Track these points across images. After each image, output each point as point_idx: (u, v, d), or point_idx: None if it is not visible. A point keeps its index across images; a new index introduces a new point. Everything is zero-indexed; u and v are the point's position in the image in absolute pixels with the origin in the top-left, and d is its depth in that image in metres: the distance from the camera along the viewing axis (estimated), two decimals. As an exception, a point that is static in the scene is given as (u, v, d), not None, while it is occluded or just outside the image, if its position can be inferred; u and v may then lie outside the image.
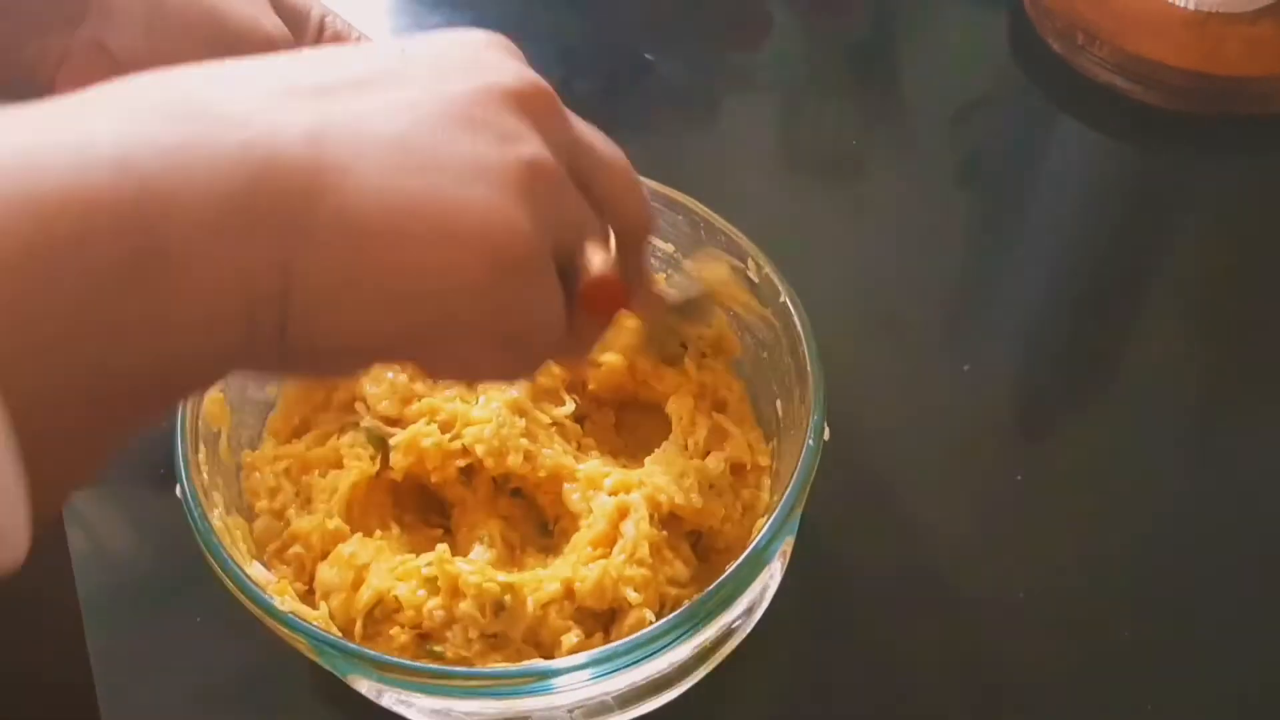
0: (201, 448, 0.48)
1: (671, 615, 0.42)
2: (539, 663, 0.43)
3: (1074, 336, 0.69)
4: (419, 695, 0.42)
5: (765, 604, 0.45)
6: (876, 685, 0.52)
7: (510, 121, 0.31)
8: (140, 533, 0.58)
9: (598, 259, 0.36)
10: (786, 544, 0.45)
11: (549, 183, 0.32)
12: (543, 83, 0.34)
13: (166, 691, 0.52)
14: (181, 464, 0.46)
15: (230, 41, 0.49)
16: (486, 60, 0.33)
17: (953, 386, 0.65)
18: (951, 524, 0.59)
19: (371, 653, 0.41)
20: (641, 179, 0.56)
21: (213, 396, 0.48)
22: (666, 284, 0.54)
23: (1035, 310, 0.71)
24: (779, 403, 0.53)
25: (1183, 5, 0.81)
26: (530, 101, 0.33)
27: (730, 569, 0.43)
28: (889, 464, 0.61)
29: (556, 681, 0.41)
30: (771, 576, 0.45)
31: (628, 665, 0.41)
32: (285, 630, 0.42)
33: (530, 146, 0.31)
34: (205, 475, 0.48)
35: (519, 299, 0.31)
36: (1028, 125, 0.84)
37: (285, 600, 0.44)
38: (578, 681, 0.41)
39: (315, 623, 0.44)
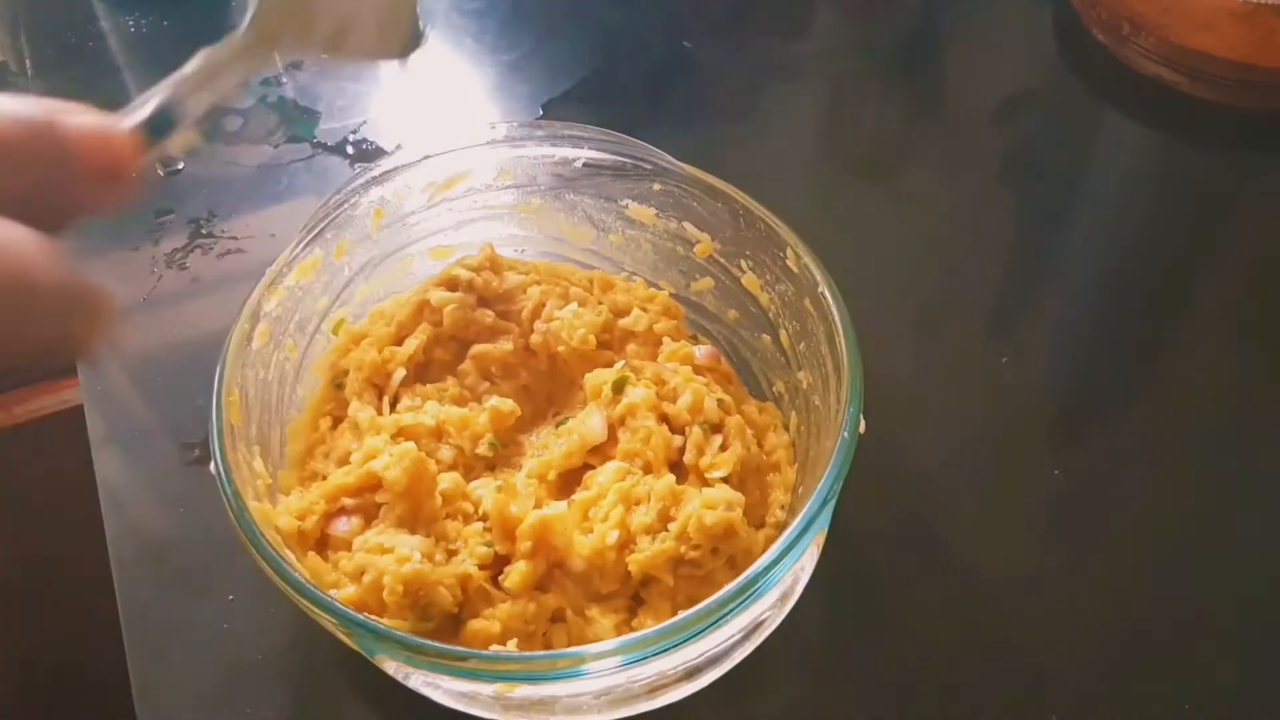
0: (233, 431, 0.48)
1: (702, 605, 0.41)
2: (568, 649, 0.43)
3: (1116, 332, 0.68)
4: (446, 677, 0.42)
5: (797, 595, 0.45)
6: (908, 679, 0.52)
7: None
8: (174, 512, 0.58)
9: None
10: (819, 535, 0.45)
11: None
12: None
13: (198, 670, 0.52)
14: (216, 442, 0.46)
15: None
16: None
17: (991, 379, 0.65)
18: (986, 518, 0.58)
19: (399, 634, 0.41)
20: (680, 165, 0.57)
21: (232, 398, 0.48)
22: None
23: (1076, 304, 0.70)
24: (816, 397, 0.52)
25: (1232, -4, 0.79)
26: None
27: (762, 559, 0.43)
28: (924, 455, 0.60)
29: (586, 667, 0.41)
30: (803, 568, 0.45)
31: (657, 653, 0.41)
32: (315, 610, 0.42)
33: None
34: (240, 451, 0.48)
35: None
36: (1072, 118, 0.83)
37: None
38: (607, 668, 0.41)
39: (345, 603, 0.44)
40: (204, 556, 0.56)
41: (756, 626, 0.44)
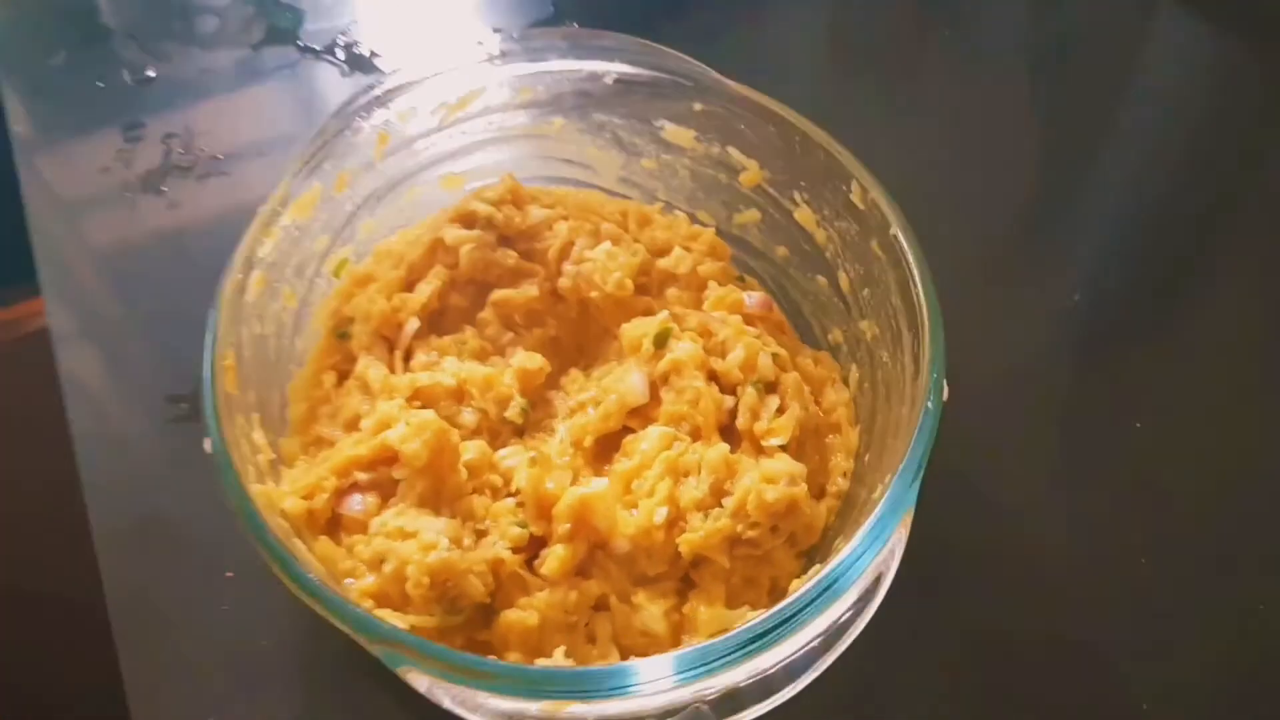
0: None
1: (772, 611, 0.36)
2: (619, 664, 0.38)
3: (1185, 257, 0.62)
4: (487, 695, 0.37)
5: (882, 593, 0.40)
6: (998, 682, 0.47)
7: None
8: (162, 475, 0.52)
9: None
10: (906, 516, 0.39)
11: None
12: None
13: (198, 659, 0.47)
14: (211, 418, 0.40)
15: None
16: None
17: (1057, 320, 0.59)
18: (1062, 486, 0.53)
19: (435, 646, 0.36)
20: (726, 81, 0.50)
21: (227, 364, 0.42)
22: None
23: (1135, 229, 0.64)
24: (884, 352, 0.47)
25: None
26: None
27: (845, 554, 0.37)
28: (991, 416, 0.54)
29: (638, 684, 0.36)
30: (888, 565, 0.39)
31: (720, 665, 0.36)
32: (338, 618, 0.36)
33: None
34: (238, 424, 0.42)
35: None
36: (1120, 5, 0.75)
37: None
38: (663, 683, 0.36)
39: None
40: (198, 526, 0.50)
41: (839, 631, 0.38)
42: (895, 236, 0.45)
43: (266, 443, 0.44)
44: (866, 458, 0.47)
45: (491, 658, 0.41)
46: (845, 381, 0.50)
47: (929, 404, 0.41)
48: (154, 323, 0.57)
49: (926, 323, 0.43)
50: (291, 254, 0.48)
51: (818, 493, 0.47)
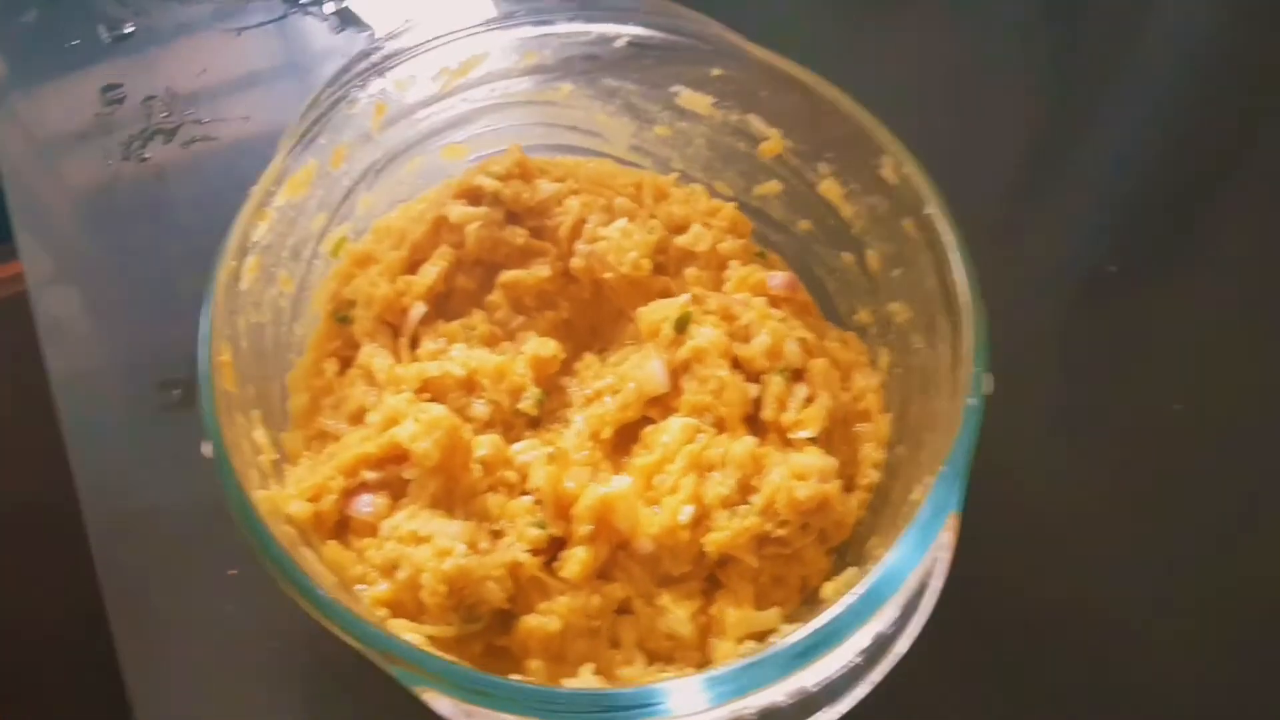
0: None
1: (805, 630, 0.34)
2: (653, 685, 0.36)
3: (1230, 226, 0.60)
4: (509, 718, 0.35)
5: (928, 605, 0.38)
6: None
7: None
8: (156, 468, 0.49)
9: None
10: (951, 521, 0.37)
11: None
12: None
13: (201, 666, 0.45)
14: (210, 419, 0.38)
15: None
16: None
17: (1091, 293, 0.56)
18: (1102, 473, 0.50)
19: (460, 670, 0.34)
20: (747, 45, 0.47)
21: (223, 359, 0.40)
22: None
23: (1176, 190, 0.62)
24: (917, 337, 0.44)
25: None
26: None
27: (880, 565, 0.35)
28: (1024, 398, 0.51)
29: (667, 705, 0.34)
30: (932, 575, 0.37)
31: (753, 686, 0.34)
32: (358, 641, 0.34)
33: None
34: (238, 423, 0.40)
35: None
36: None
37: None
38: (692, 705, 0.34)
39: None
40: (196, 521, 0.47)
41: (883, 646, 0.37)
42: (930, 216, 0.43)
43: (268, 441, 0.42)
44: (899, 449, 0.45)
45: (515, 676, 0.39)
46: (874, 365, 0.48)
47: (972, 399, 0.38)
48: (141, 304, 0.54)
49: (968, 311, 0.40)
50: (287, 235, 0.46)
51: (847, 485, 0.45)
